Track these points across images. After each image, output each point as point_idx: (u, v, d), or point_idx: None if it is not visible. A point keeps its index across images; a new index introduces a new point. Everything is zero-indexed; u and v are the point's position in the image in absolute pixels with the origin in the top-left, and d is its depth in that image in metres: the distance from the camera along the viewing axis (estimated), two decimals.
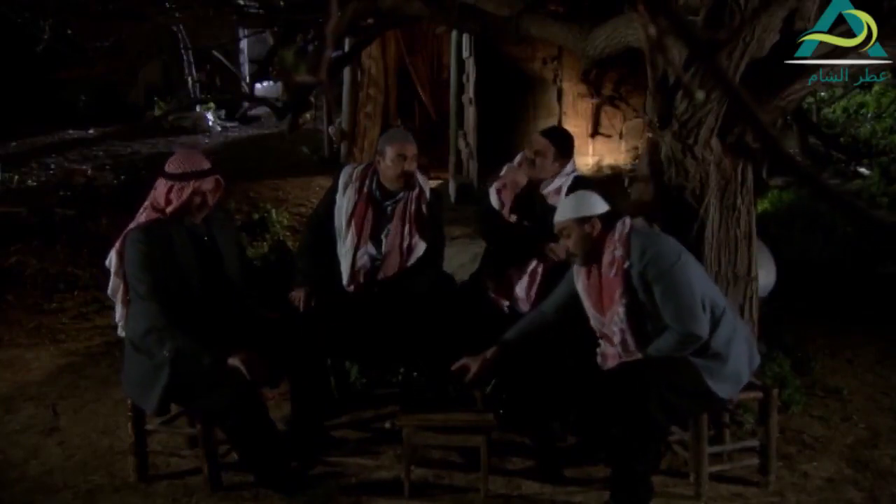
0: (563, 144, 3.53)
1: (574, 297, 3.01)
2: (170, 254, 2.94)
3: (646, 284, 2.77)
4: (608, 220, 2.86)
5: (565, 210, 2.90)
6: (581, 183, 3.55)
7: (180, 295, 2.92)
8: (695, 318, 2.72)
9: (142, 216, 2.98)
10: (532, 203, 3.46)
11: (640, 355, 2.82)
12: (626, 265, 2.78)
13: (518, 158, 3.64)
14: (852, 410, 3.68)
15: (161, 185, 2.98)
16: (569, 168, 3.53)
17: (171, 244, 2.95)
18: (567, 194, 3.47)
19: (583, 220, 2.85)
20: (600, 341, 2.96)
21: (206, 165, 3.01)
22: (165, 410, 3.07)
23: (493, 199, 3.62)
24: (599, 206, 2.88)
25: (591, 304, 2.94)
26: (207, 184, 2.99)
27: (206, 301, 2.99)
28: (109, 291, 3.09)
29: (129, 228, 2.98)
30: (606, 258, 2.84)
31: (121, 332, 3.13)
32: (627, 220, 2.87)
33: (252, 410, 2.95)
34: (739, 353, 2.83)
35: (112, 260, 3.01)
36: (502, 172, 3.67)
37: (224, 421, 2.98)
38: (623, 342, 2.84)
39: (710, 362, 2.76)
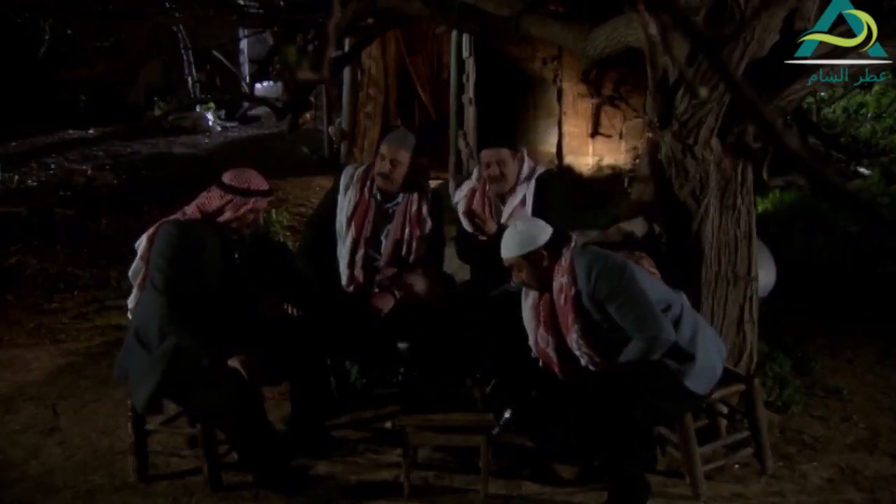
0: (504, 141, 3.51)
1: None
2: (197, 256, 2.95)
3: (598, 305, 2.78)
4: (555, 246, 2.86)
5: (510, 247, 2.88)
6: (548, 179, 3.51)
7: (193, 296, 2.93)
8: (658, 324, 2.73)
9: (180, 214, 3.02)
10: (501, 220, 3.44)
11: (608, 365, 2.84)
12: (573, 291, 2.79)
13: (475, 174, 3.60)
14: (852, 410, 3.68)
15: (216, 194, 3.00)
16: (525, 171, 3.48)
17: (201, 247, 2.96)
18: (534, 198, 3.43)
19: (530, 255, 2.85)
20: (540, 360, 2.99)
21: (267, 186, 3.08)
22: (155, 408, 3.05)
23: (464, 223, 3.59)
24: (543, 234, 2.87)
25: (537, 324, 2.96)
26: (263, 203, 3.05)
27: (217, 307, 2.99)
28: (130, 273, 3.11)
29: (166, 219, 3.00)
30: (556, 286, 2.86)
31: (130, 315, 3.15)
32: (571, 244, 2.87)
33: (250, 411, 2.95)
34: (707, 347, 2.84)
35: (141, 243, 3.04)
36: (463, 191, 3.63)
37: (222, 421, 2.98)
38: (591, 361, 2.86)
39: (681, 363, 2.77)
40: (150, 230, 3.02)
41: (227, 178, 3.04)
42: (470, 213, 3.54)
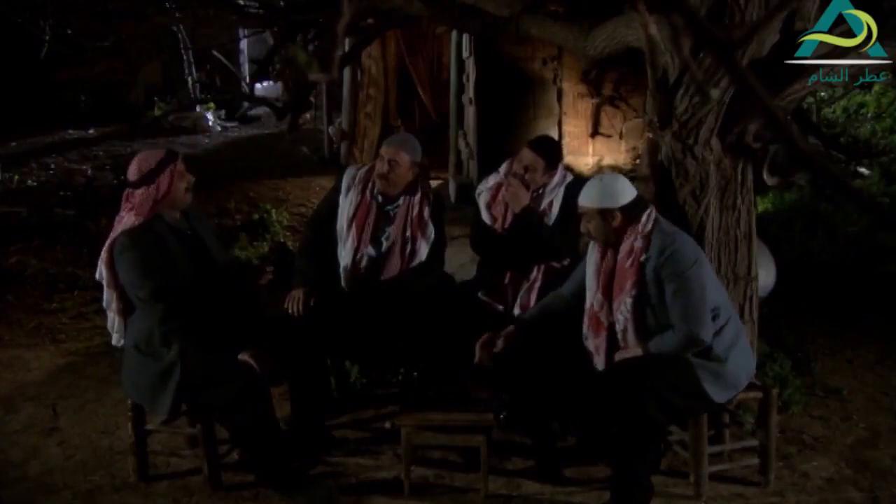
0: (552, 157, 3.51)
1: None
2: (163, 252, 2.92)
3: (658, 281, 2.77)
4: (633, 210, 2.85)
5: (590, 195, 2.88)
6: (577, 189, 3.54)
7: (179, 291, 2.91)
8: (701, 322, 2.72)
9: (120, 226, 2.92)
10: (526, 218, 3.45)
11: (639, 350, 2.83)
12: (642, 258, 2.79)
13: (504, 168, 3.61)
14: (852, 410, 3.68)
15: (143, 192, 2.90)
16: (557, 179, 3.50)
17: (162, 243, 2.92)
18: (561, 205, 3.46)
19: (605, 211, 2.84)
20: (587, 334, 2.97)
21: (163, 150, 3.04)
22: (179, 412, 3.04)
23: (484, 215, 3.60)
24: (625, 196, 2.85)
25: (597, 286, 2.94)
26: (180, 165, 2.97)
27: (203, 293, 2.97)
28: (105, 305, 3.04)
29: (113, 238, 2.92)
30: (625, 247, 2.84)
31: (117, 343, 3.09)
32: (653, 214, 2.86)
33: (260, 407, 2.95)
34: (738, 361, 2.84)
35: (102, 273, 2.97)
36: (489, 184, 3.64)
37: (232, 417, 2.96)
38: (624, 331, 2.85)
39: (709, 364, 2.77)
40: (104, 257, 2.94)
41: (134, 174, 2.92)
42: (490, 206, 3.58)
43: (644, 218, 2.83)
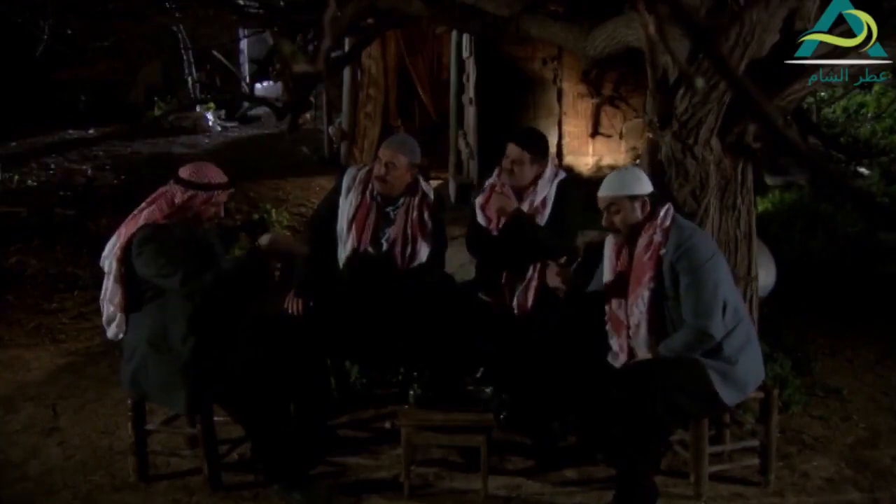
0: (536, 148, 3.49)
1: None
2: (184, 249, 2.92)
3: (675, 275, 2.78)
4: (654, 201, 2.86)
5: (614, 185, 2.87)
6: (569, 186, 3.54)
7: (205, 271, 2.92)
8: (712, 317, 2.72)
9: (141, 217, 2.95)
10: (517, 221, 3.44)
11: (647, 353, 2.83)
12: (661, 252, 2.79)
13: (497, 169, 3.61)
14: (852, 410, 3.68)
15: (176, 191, 2.95)
16: (548, 174, 3.50)
17: (181, 242, 2.93)
18: (554, 202, 3.46)
19: (635, 198, 2.84)
20: (610, 333, 2.96)
21: (226, 178, 3.04)
22: (199, 407, 2.97)
23: (479, 216, 3.60)
24: (648, 184, 2.86)
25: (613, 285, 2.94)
26: (224, 196, 3.01)
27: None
28: (107, 297, 3.00)
29: (129, 234, 2.92)
30: (643, 241, 2.84)
31: (114, 336, 3.06)
32: (671, 209, 2.87)
33: (275, 390, 2.97)
34: (749, 363, 2.83)
35: (112, 267, 2.95)
36: (485, 186, 3.65)
37: (249, 398, 2.92)
38: (637, 326, 2.85)
39: (720, 365, 2.76)
40: (118, 253, 2.92)
41: (185, 173, 2.97)
42: (484, 207, 3.59)
43: (662, 213, 2.84)
